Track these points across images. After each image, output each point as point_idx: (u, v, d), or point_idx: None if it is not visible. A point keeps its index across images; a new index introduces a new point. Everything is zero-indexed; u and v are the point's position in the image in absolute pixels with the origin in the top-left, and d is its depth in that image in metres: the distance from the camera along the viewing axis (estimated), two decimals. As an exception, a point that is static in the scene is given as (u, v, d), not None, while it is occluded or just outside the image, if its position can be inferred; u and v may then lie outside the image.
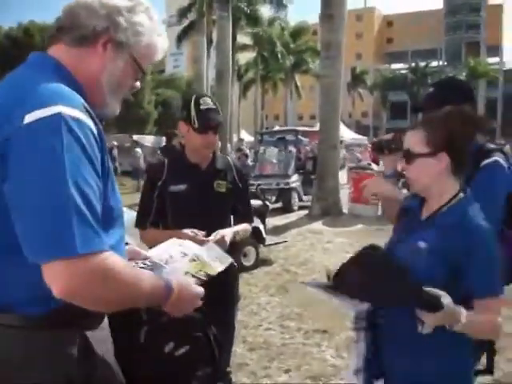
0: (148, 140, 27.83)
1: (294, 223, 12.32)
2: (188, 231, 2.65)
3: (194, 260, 1.88)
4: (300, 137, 18.38)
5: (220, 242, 2.68)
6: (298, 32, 45.95)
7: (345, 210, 13.62)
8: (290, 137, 18.10)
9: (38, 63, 1.49)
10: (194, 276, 1.77)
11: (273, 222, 11.25)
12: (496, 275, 1.88)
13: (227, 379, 3.16)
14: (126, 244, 1.70)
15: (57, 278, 1.24)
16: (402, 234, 2.09)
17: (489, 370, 2.35)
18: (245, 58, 45.90)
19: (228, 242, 2.73)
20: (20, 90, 1.36)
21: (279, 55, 42.35)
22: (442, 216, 1.95)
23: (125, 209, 1.72)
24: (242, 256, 7.31)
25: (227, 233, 2.77)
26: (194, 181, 2.89)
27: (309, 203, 14.29)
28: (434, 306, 1.72)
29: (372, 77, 67.08)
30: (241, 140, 25.13)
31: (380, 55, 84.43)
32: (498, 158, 2.36)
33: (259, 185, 11.76)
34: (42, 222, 1.23)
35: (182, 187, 2.88)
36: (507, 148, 11.56)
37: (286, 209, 14.29)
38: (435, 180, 1.95)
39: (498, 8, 78.52)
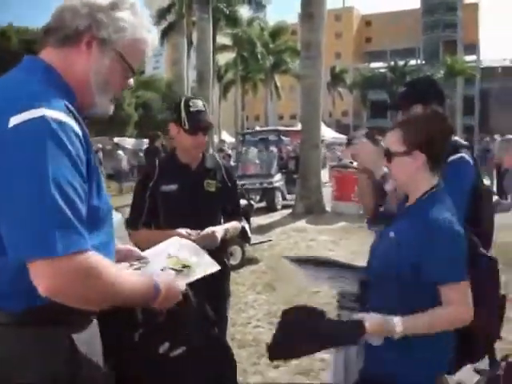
0: (129, 142, 27.62)
1: (278, 222, 12.44)
2: (182, 231, 2.71)
3: (170, 257, 1.93)
4: (282, 137, 18.45)
5: (211, 238, 2.75)
6: (277, 32, 45.97)
7: (328, 208, 13.79)
8: (272, 137, 18.16)
9: (27, 66, 1.51)
10: (172, 269, 1.81)
11: (257, 221, 11.32)
12: (456, 262, 1.96)
13: None
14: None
15: (41, 276, 1.27)
16: (388, 226, 2.22)
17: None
18: (224, 58, 45.82)
19: (219, 239, 2.80)
20: (7, 93, 1.39)
21: (259, 55, 42.38)
22: (413, 208, 2.09)
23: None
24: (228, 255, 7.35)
25: (218, 229, 2.84)
26: (185, 181, 2.95)
27: (292, 202, 14.43)
28: (355, 335, 1.89)
29: (351, 76, 67.36)
30: (222, 141, 25.11)
31: (359, 54, 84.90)
32: (463, 154, 2.50)
33: (243, 185, 11.82)
34: (25, 222, 1.25)
35: (174, 187, 2.94)
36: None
37: (270, 208, 14.41)
38: (412, 176, 2.08)
39: (474, 7, 79.44)
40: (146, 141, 20.24)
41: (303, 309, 2.01)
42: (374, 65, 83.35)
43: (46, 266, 1.26)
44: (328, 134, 34.89)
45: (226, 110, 51.51)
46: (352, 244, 9.25)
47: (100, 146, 23.32)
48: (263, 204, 14.60)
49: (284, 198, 15.22)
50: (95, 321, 1.59)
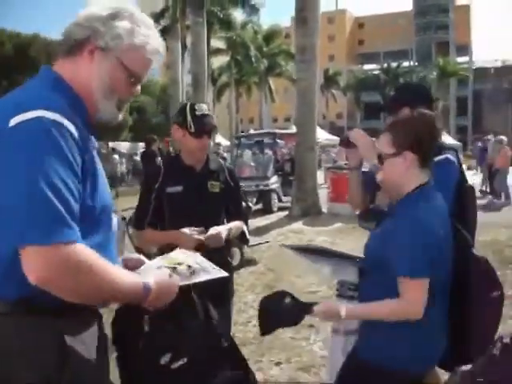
0: (123, 146, 27.73)
1: (275, 224, 12.52)
2: (186, 230, 2.81)
3: (167, 258, 1.97)
4: (277, 139, 18.55)
5: (216, 238, 2.85)
6: (270, 35, 46.02)
7: (324, 210, 13.87)
8: (267, 140, 18.26)
9: (41, 76, 1.64)
10: (167, 267, 1.83)
11: (254, 223, 11.42)
12: (414, 260, 2.04)
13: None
14: None
15: (32, 265, 1.35)
16: (378, 224, 2.37)
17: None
18: (218, 62, 45.84)
19: (224, 239, 2.90)
20: (17, 98, 1.53)
21: (253, 59, 42.43)
22: (400, 203, 2.20)
23: None
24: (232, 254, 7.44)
25: (222, 229, 2.94)
26: (190, 182, 3.04)
27: (288, 204, 14.51)
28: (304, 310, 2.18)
29: (345, 78, 67.42)
30: (217, 144, 25.16)
31: (352, 56, 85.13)
32: (448, 155, 2.66)
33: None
34: (16, 211, 1.34)
35: (179, 188, 3.03)
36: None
37: (266, 210, 14.51)
38: (404, 175, 2.17)
39: (466, 8, 79.88)
40: (141, 145, 20.28)
41: (276, 292, 2.29)
42: (367, 67, 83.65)
43: (36, 254, 1.34)
44: (322, 135, 34.92)
45: (221, 113, 51.40)
46: (348, 244, 9.32)
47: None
48: (260, 206, 14.68)
49: (280, 200, 15.33)
50: (95, 319, 1.63)
